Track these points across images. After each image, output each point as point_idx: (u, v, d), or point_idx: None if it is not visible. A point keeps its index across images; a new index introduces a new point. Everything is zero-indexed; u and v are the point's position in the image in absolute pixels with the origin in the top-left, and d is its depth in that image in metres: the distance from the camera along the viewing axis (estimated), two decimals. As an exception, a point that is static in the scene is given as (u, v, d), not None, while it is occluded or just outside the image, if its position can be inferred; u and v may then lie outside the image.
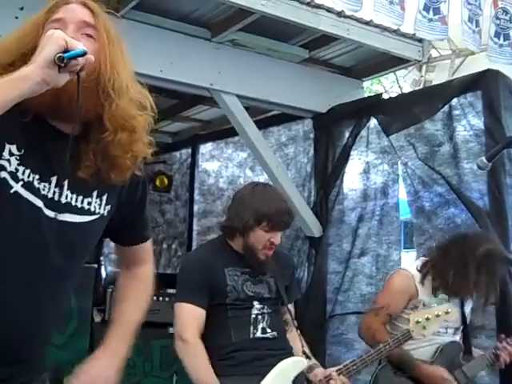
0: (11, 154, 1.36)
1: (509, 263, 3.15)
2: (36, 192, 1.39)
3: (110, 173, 1.45)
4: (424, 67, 9.18)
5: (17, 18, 3.19)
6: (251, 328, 2.65)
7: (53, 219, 1.41)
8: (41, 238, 1.40)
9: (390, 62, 4.44)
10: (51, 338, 1.58)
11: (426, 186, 3.93)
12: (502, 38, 3.99)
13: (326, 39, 4.09)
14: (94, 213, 1.50)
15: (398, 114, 4.03)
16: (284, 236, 4.74)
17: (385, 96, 4.69)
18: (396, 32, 4.03)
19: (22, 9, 3.26)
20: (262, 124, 4.81)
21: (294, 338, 2.81)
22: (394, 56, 4.22)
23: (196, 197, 6.09)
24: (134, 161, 1.47)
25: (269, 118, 5.04)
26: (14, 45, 1.42)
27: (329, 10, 3.71)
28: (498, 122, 3.42)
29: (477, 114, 3.66)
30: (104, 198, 1.52)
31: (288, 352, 2.72)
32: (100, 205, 1.51)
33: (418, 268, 3.10)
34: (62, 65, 1.27)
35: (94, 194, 1.49)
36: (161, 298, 4.86)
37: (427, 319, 2.74)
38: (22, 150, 1.37)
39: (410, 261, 3.71)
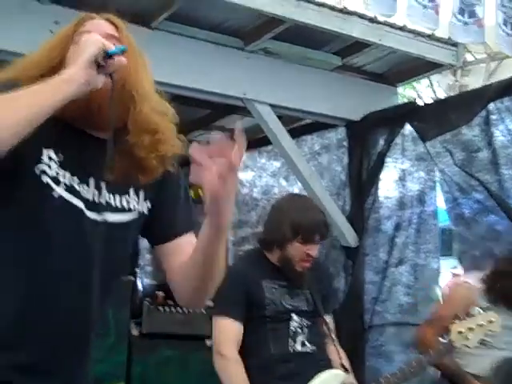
0: (50, 158, 1.41)
1: None
2: (77, 194, 1.43)
3: (137, 173, 1.50)
4: (459, 71, 9.07)
5: (51, 31, 3.23)
6: (290, 341, 2.63)
7: (94, 220, 1.45)
8: (84, 238, 1.43)
9: (424, 67, 4.38)
10: (92, 343, 1.56)
11: (465, 193, 3.85)
12: (466, 15, 3.86)
13: (359, 46, 4.06)
14: (132, 210, 1.53)
15: (434, 120, 3.96)
16: (320, 246, 4.74)
17: (419, 102, 4.62)
18: (430, 37, 3.97)
19: (56, 23, 3.30)
20: (296, 133, 4.78)
21: (333, 351, 2.78)
22: (428, 61, 4.16)
23: (230, 207, 6.06)
24: (160, 160, 1.50)
25: (302, 126, 5.01)
26: (42, 58, 1.48)
27: (361, 17, 3.68)
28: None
29: (515, 118, 3.59)
30: (141, 195, 1.55)
31: (327, 366, 2.68)
32: (138, 202, 1.54)
33: (479, 280, 3.00)
34: (104, 63, 1.34)
35: (131, 192, 1.53)
36: (197, 311, 4.84)
37: (470, 329, 2.67)
38: (60, 154, 1.42)
39: (448, 268, 3.67)
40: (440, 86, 10.36)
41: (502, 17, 3.81)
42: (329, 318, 2.86)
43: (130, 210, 1.52)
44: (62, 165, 1.42)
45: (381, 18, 3.68)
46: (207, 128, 5.70)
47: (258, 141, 5.43)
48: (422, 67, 4.38)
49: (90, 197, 1.45)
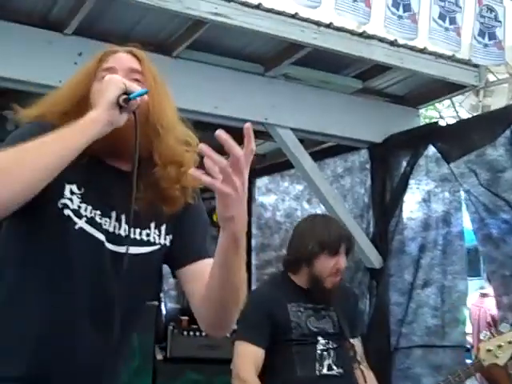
0: (72, 192, 1.44)
1: None
2: (98, 227, 1.45)
3: (161, 204, 1.52)
4: (481, 92, 9.03)
5: (76, 63, 3.30)
6: (317, 365, 2.60)
7: (115, 252, 1.46)
8: (104, 270, 1.45)
9: (445, 89, 4.37)
10: (118, 376, 1.57)
11: (492, 213, 3.82)
12: (486, 38, 3.85)
13: (380, 69, 4.08)
14: (153, 243, 1.54)
15: (457, 140, 3.95)
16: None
17: (441, 122, 4.61)
18: (451, 58, 3.97)
19: (80, 54, 3.37)
20: (318, 156, 4.79)
21: (359, 374, 2.75)
22: (450, 82, 4.16)
23: (253, 231, 6.07)
24: (183, 192, 1.53)
25: (324, 149, 5.02)
26: (67, 95, 1.52)
27: (381, 40, 3.69)
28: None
29: (540, 137, 3.56)
30: (162, 228, 1.56)
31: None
32: (159, 235, 1.56)
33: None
34: (126, 105, 1.38)
35: (152, 225, 1.54)
36: (221, 334, 4.81)
37: (499, 347, 2.63)
38: (82, 189, 1.45)
39: (474, 289, 3.64)
40: (462, 106, 10.32)
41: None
42: (357, 342, 2.83)
43: (150, 243, 1.54)
44: (84, 198, 1.45)
45: (401, 41, 3.69)
46: (229, 154, 5.74)
47: (280, 164, 5.45)
48: (443, 89, 4.38)
49: (111, 229, 1.47)
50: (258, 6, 3.36)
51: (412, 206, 4.37)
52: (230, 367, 4.56)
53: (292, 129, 4.14)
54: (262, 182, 6.01)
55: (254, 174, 6.02)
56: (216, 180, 1.22)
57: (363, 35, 3.64)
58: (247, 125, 1.22)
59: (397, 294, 4.32)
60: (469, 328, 5.36)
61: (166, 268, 1.65)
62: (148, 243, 1.53)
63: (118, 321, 1.46)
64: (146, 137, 1.47)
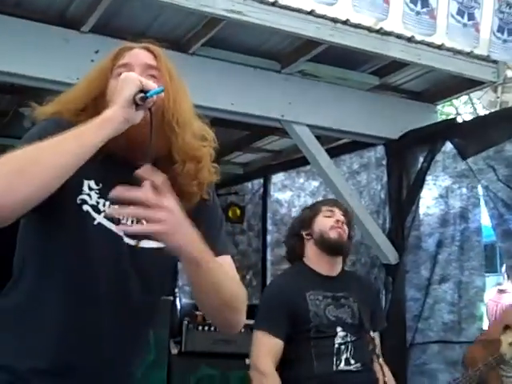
0: (91, 188, 1.46)
1: None
2: (117, 222, 1.46)
3: (178, 200, 1.49)
4: (499, 88, 8.95)
5: (92, 60, 3.32)
6: (334, 359, 2.58)
7: (133, 246, 1.46)
8: (124, 264, 1.46)
9: (463, 85, 4.34)
10: (133, 369, 1.58)
11: (511, 209, 3.80)
12: (505, 33, 3.82)
13: (397, 65, 4.06)
14: None
15: (475, 136, 3.93)
16: (360, 264, 4.73)
17: (458, 118, 4.59)
18: (469, 54, 3.94)
19: (97, 52, 3.39)
20: (334, 152, 4.78)
21: (377, 368, 2.74)
22: (468, 78, 4.13)
23: (269, 227, 6.09)
24: (200, 187, 1.53)
25: (340, 146, 5.01)
26: (83, 92, 1.52)
27: (399, 37, 3.67)
28: None
29: (557, 133, 3.54)
30: None
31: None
32: None
33: None
34: (142, 103, 1.38)
35: None
36: (236, 329, 4.84)
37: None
38: (100, 184, 1.47)
39: (491, 285, 3.63)
40: (481, 102, 10.22)
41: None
42: (376, 336, 2.82)
43: None
44: (102, 194, 1.46)
45: (418, 37, 3.67)
46: (245, 149, 5.76)
47: (295, 161, 5.45)
48: (461, 85, 4.35)
49: (129, 223, 1.47)
50: (274, 3, 3.36)
51: (429, 202, 4.36)
52: (246, 362, 4.62)
53: (308, 125, 4.13)
54: (277, 178, 6.01)
55: (270, 170, 6.03)
56: (145, 226, 1.27)
57: (380, 32, 3.62)
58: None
59: (413, 289, 4.32)
60: (486, 324, 5.33)
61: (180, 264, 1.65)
62: None
63: (137, 310, 1.48)
64: (163, 133, 1.47)
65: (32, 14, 3.41)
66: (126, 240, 1.47)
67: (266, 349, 2.56)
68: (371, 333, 2.74)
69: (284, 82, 4.05)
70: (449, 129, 4.16)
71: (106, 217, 1.45)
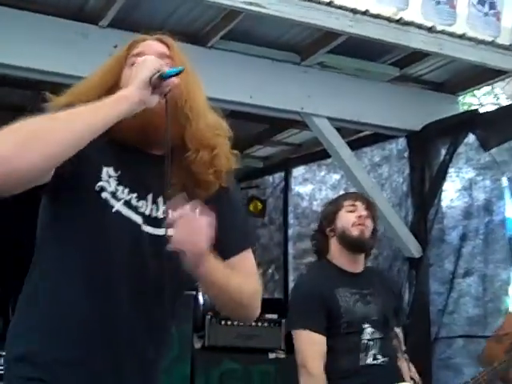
0: (109, 175, 1.46)
1: None
2: (135, 210, 1.47)
3: (195, 188, 1.51)
4: (523, 78, 8.81)
5: (111, 55, 3.31)
6: (362, 355, 2.59)
7: (152, 235, 1.47)
8: (141, 253, 1.46)
9: (486, 75, 4.28)
10: (156, 357, 1.57)
11: (536, 201, 3.76)
12: None
13: (417, 55, 4.01)
14: None
15: (498, 127, 3.88)
16: (382, 257, 4.70)
17: (480, 109, 4.53)
18: (492, 44, 3.87)
19: (115, 47, 3.38)
20: (355, 145, 4.74)
21: (403, 364, 2.73)
22: (491, 68, 4.06)
23: (290, 220, 6.07)
24: (217, 175, 1.52)
25: (361, 138, 4.97)
26: (96, 83, 1.52)
27: (419, 27, 3.62)
28: None
29: None
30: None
31: (398, 379, 2.64)
32: None
33: None
34: (160, 84, 1.39)
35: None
36: (259, 324, 4.84)
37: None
38: (119, 171, 1.47)
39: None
40: (504, 92, 10.09)
41: None
42: (399, 331, 2.80)
43: None
44: (121, 181, 1.46)
45: (439, 27, 3.61)
46: (265, 143, 5.74)
47: (316, 154, 5.43)
48: (483, 75, 4.28)
49: (148, 212, 1.48)
50: (292, -5, 3.33)
51: (452, 195, 4.32)
52: (269, 356, 4.62)
53: (328, 118, 4.10)
54: (298, 171, 5.99)
55: (290, 163, 6.00)
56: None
57: (400, 22, 3.57)
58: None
59: (437, 283, 4.29)
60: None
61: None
62: None
63: (158, 300, 1.47)
64: (177, 122, 1.47)
65: (51, 8, 3.43)
66: (145, 228, 1.47)
67: (314, 349, 2.57)
68: (395, 328, 2.72)
69: (303, 74, 4.02)
70: (471, 120, 4.11)
71: (124, 204, 1.46)
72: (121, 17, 3.46)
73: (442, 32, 3.70)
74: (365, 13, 3.49)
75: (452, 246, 4.24)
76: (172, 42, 1.58)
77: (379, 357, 2.61)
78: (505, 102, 9.67)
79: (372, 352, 2.61)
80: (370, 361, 2.60)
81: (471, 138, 4.09)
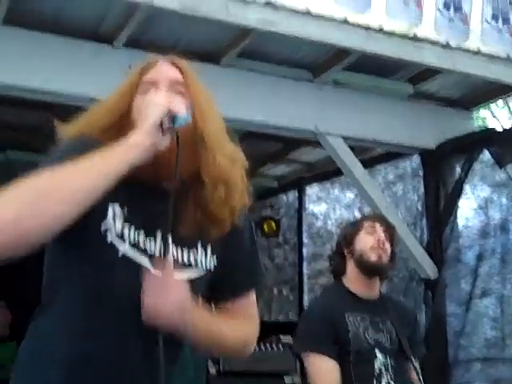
0: (115, 213, 1.39)
1: None
2: (142, 251, 1.40)
3: (209, 226, 1.45)
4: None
5: (125, 74, 3.31)
6: (375, 382, 2.53)
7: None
8: None
9: (500, 90, 4.26)
10: None
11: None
12: (452, 10, 3.66)
13: (431, 72, 3.99)
14: (199, 266, 1.48)
15: (513, 145, 3.84)
16: (397, 278, 4.64)
17: (495, 124, 4.49)
18: (506, 59, 3.85)
19: (130, 66, 3.38)
20: (368, 163, 4.72)
21: None
22: (505, 84, 4.03)
23: (305, 240, 6.03)
24: (231, 213, 1.46)
25: (374, 156, 4.95)
26: (108, 109, 1.47)
27: (433, 43, 3.60)
28: None
29: None
30: (208, 249, 1.50)
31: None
32: (205, 258, 1.49)
33: None
34: (168, 128, 1.33)
35: (199, 247, 1.48)
36: (274, 347, 4.79)
37: None
38: (125, 208, 1.40)
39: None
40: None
41: None
42: (416, 364, 2.72)
43: (197, 265, 1.47)
44: (128, 219, 1.39)
45: (453, 44, 3.60)
46: (278, 161, 5.72)
47: (330, 172, 5.40)
48: (498, 90, 4.26)
49: (156, 252, 1.41)
50: (305, 13, 3.32)
51: (468, 213, 4.27)
52: (285, 380, 4.55)
53: (342, 137, 4.08)
54: (311, 190, 5.96)
55: (304, 182, 5.97)
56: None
57: (414, 38, 3.56)
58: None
59: (454, 304, 4.22)
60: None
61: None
62: (195, 266, 1.47)
63: (163, 344, 1.39)
64: (192, 154, 1.40)
65: (67, 30, 3.44)
66: (154, 270, 1.39)
67: (329, 375, 2.50)
68: (412, 359, 2.65)
69: (317, 91, 4.01)
70: (486, 137, 4.08)
71: (131, 245, 1.39)
72: (135, 37, 3.47)
73: (456, 48, 3.68)
74: (379, 30, 3.48)
75: (468, 266, 4.19)
76: (186, 65, 1.51)
77: None
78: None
79: (385, 380, 2.55)
80: None
81: (486, 155, 4.05)
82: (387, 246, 2.64)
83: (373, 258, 2.60)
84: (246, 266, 1.60)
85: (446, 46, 3.65)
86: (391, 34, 3.51)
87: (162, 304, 1.31)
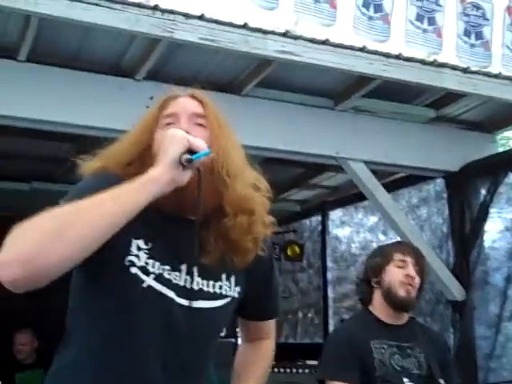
0: (139, 248, 1.39)
1: None
2: (167, 283, 1.40)
3: (232, 257, 1.46)
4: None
5: (147, 107, 3.35)
6: None
7: (186, 307, 1.41)
8: (174, 327, 1.40)
9: (522, 113, 4.23)
10: None
11: None
12: (473, 37, 3.65)
13: (453, 96, 3.98)
14: (225, 296, 1.49)
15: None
16: (424, 301, 4.59)
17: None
18: (528, 82, 3.83)
19: (151, 98, 3.43)
20: (391, 186, 4.70)
21: None
22: (527, 106, 4.01)
23: (329, 264, 6.01)
24: (255, 243, 1.46)
25: (398, 179, 4.93)
26: (129, 145, 1.47)
27: (453, 68, 3.60)
28: None
29: None
30: (232, 279, 1.51)
31: None
32: (230, 287, 1.50)
33: None
34: (189, 165, 1.32)
35: (223, 277, 1.49)
36: (300, 370, 4.75)
37: None
38: (149, 244, 1.40)
39: None
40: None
41: None
42: None
43: (222, 296, 1.48)
44: (152, 254, 1.39)
45: (474, 67, 3.59)
46: (301, 186, 5.72)
47: (353, 196, 5.39)
48: (520, 113, 4.23)
49: (181, 283, 1.42)
50: (324, 42, 3.35)
51: (494, 236, 4.23)
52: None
53: (364, 161, 4.08)
54: (335, 214, 5.95)
55: (327, 206, 5.97)
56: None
57: (434, 64, 3.56)
58: None
59: (483, 327, 4.18)
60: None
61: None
62: (221, 296, 1.48)
63: (188, 377, 1.43)
64: (213, 186, 1.40)
65: (89, 65, 3.51)
66: (178, 301, 1.41)
67: None
68: (442, 382, 2.61)
69: (338, 118, 4.03)
70: (511, 159, 4.04)
71: (156, 279, 1.39)
72: (156, 69, 3.52)
73: (477, 72, 3.68)
74: (398, 56, 3.49)
75: (497, 289, 4.15)
76: (205, 98, 1.51)
77: None
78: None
79: None
80: None
81: (511, 177, 4.02)
82: (417, 280, 2.60)
83: (401, 292, 2.56)
84: (268, 298, 1.65)
85: (467, 70, 3.65)
86: (411, 60, 3.51)
87: None
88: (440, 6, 3.56)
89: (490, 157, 4.22)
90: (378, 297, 2.64)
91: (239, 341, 5.20)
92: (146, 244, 1.39)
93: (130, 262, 1.37)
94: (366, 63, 3.44)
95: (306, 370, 4.76)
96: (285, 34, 3.27)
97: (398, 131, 4.17)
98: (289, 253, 6.07)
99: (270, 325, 1.74)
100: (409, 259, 2.61)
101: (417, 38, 3.28)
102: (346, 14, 3.52)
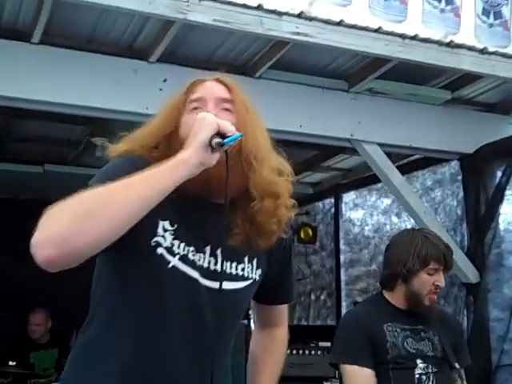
0: (165, 230, 1.41)
1: None
2: (192, 264, 1.42)
3: (257, 239, 1.48)
4: None
5: (161, 89, 3.36)
6: None
7: (210, 288, 1.43)
8: (198, 308, 1.43)
9: (540, 94, 4.17)
10: None
11: None
12: (491, 17, 3.58)
13: (469, 77, 3.93)
14: (247, 278, 1.52)
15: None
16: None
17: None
18: (546, 63, 3.77)
19: (165, 81, 3.43)
20: (406, 169, 4.68)
21: None
22: (545, 87, 3.96)
23: (342, 246, 6.02)
24: (279, 225, 1.49)
25: (412, 162, 4.90)
26: (156, 128, 1.49)
27: (470, 49, 3.55)
28: None
29: None
30: (254, 262, 1.54)
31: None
32: (252, 269, 1.53)
33: None
34: (219, 148, 1.33)
35: (246, 259, 1.52)
36: (313, 352, 4.77)
37: None
38: (175, 225, 1.42)
39: None
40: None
41: None
42: (462, 371, 2.68)
43: (244, 277, 1.51)
44: (177, 235, 1.42)
45: (490, 48, 3.54)
46: (315, 169, 5.71)
47: (366, 179, 5.37)
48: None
49: (205, 264, 1.44)
50: (339, 23, 3.31)
51: (509, 218, 4.20)
52: (325, 381, 4.52)
53: (379, 144, 4.05)
54: (348, 197, 5.94)
55: (341, 189, 5.95)
56: None
57: (451, 45, 3.51)
58: None
59: (497, 309, 4.17)
60: None
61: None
62: (243, 278, 1.51)
63: (211, 353, 1.44)
64: (240, 170, 1.42)
65: (102, 47, 3.50)
66: (202, 281, 1.43)
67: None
68: (457, 367, 2.60)
69: (352, 101, 4.00)
70: (527, 141, 4.01)
71: (180, 259, 1.41)
72: (169, 52, 3.50)
73: (495, 53, 3.62)
74: (414, 37, 3.44)
75: (511, 271, 4.12)
76: (232, 83, 1.51)
77: None
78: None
79: None
80: None
81: (528, 159, 3.99)
82: (441, 287, 2.59)
83: (426, 302, 2.55)
84: (285, 281, 1.70)
85: (484, 51, 3.59)
86: (427, 41, 3.46)
87: None
88: (458, -15, 3.51)
89: (506, 139, 4.17)
90: (399, 290, 2.61)
91: (251, 323, 5.24)
92: (172, 225, 1.42)
93: (156, 242, 1.40)
94: (381, 44, 3.40)
95: (319, 352, 4.78)
96: (299, 15, 3.23)
97: (413, 113, 4.13)
98: (302, 235, 6.08)
99: (284, 310, 1.76)
100: (441, 270, 2.57)
101: (434, 18, 3.23)
102: (361, -6, 3.47)
